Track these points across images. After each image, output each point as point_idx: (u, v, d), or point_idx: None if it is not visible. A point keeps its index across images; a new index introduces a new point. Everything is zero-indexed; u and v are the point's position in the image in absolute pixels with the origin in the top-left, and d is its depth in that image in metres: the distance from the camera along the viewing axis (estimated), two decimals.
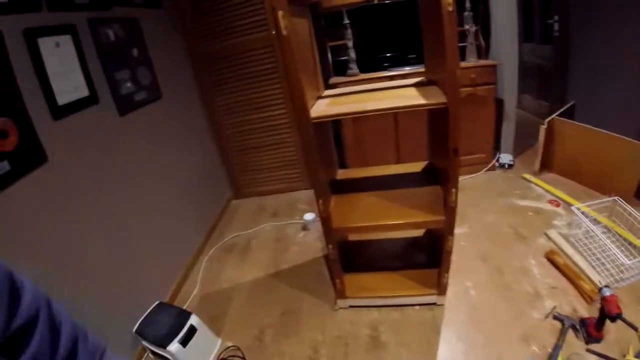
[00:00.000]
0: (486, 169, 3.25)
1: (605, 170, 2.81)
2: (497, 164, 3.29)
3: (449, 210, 1.64)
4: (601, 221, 2.51)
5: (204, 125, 3.25)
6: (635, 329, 1.82)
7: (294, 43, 1.36)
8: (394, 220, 1.72)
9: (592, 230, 2.28)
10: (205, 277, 2.61)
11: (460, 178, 3.19)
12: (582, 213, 2.45)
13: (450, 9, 1.26)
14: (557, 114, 3.11)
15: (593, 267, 2.19)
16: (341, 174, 2.27)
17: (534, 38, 4.41)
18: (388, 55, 3.16)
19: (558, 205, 2.81)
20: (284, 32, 1.31)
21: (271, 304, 2.26)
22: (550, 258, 2.28)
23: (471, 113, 2.98)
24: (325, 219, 1.73)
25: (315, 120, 1.47)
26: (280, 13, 1.29)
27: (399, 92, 1.70)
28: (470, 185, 3.16)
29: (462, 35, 2.94)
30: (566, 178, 3.13)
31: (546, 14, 4.01)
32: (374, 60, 3.16)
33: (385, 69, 3.07)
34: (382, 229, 1.76)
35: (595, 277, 2.12)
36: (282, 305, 2.24)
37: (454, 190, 1.55)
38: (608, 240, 2.30)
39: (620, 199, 2.41)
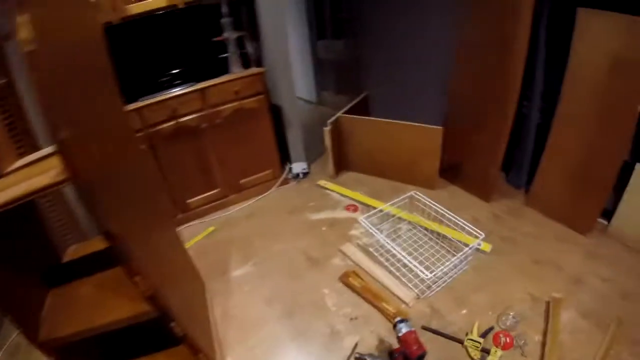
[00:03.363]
0: (278, 184, 2.93)
1: (406, 159, 2.75)
2: (290, 176, 3.00)
3: (152, 300, 1.18)
4: (405, 218, 2.41)
5: None
6: (461, 341, 1.67)
7: None
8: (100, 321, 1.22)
9: (382, 240, 2.08)
10: None
11: (248, 202, 2.83)
12: (382, 214, 2.29)
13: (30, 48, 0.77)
14: (343, 111, 2.93)
15: (399, 278, 2.02)
16: (72, 252, 1.65)
17: (327, 34, 4.28)
18: (167, 74, 2.51)
19: (356, 209, 2.61)
20: None
21: None
22: (346, 282, 2.03)
23: (242, 130, 2.60)
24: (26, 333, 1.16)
25: None
26: None
27: None
28: (259, 209, 2.80)
29: (224, 45, 2.52)
30: (367, 175, 3.00)
31: (336, 9, 3.94)
32: (152, 81, 2.47)
33: (164, 89, 2.42)
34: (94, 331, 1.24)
35: (402, 293, 1.94)
36: None
37: (137, 278, 1.09)
38: (409, 241, 2.23)
39: (417, 193, 2.33)
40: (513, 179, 2.67)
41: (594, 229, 2.22)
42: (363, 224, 2.17)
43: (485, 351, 1.62)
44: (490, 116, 2.34)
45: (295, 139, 2.93)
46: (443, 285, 1.90)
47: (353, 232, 2.41)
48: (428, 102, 2.87)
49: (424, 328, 1.77)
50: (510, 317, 1.76)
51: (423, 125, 2.53)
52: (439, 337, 1.72)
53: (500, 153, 2.37)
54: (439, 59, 2.72)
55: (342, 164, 3.06)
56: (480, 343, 1.64)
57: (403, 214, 2.40)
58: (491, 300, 1.87)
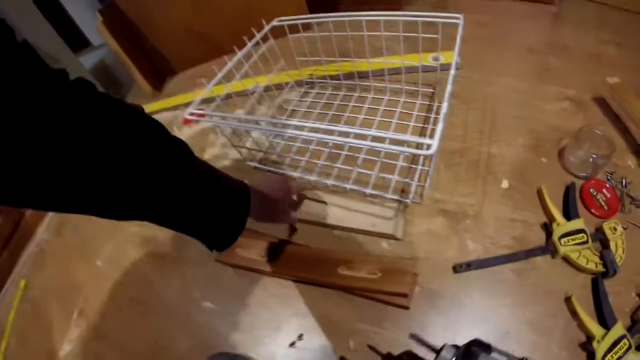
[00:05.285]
0: None
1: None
2: None
3: None
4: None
5: None
6: (549, 250, 0.72)
7: None
8: None
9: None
10: None
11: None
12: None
13: None
14: None
15: (346, 186, 0.91)
16: None
17: None
18: None
19: (200, 116, 1.39)
20: None
21: None
22: (232, 262, 0.86)
23: None
24: None
25: None
26: None
27: None
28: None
29: None
30: (207, 63, 1.68)
31: None
32: None
33: None
34: None
35: (371, 219, 0.85)
36: None
37: None
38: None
39: (281, 18, 1.09)
40: None
41: None
42: (189, 116, 0.88)
43: (599, 239, 0.70)
44: None
45: None
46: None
47: (212, 151, 1.24)
48: None
49: (458, 268, 0.73)
50: (581, 153, 0.81)
51: None
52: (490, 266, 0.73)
53: None
54: None
55: (161, 70, 1.77)
56: (585, 233, 0.68)
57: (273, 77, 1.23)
58: (528, 134, 0.93)
